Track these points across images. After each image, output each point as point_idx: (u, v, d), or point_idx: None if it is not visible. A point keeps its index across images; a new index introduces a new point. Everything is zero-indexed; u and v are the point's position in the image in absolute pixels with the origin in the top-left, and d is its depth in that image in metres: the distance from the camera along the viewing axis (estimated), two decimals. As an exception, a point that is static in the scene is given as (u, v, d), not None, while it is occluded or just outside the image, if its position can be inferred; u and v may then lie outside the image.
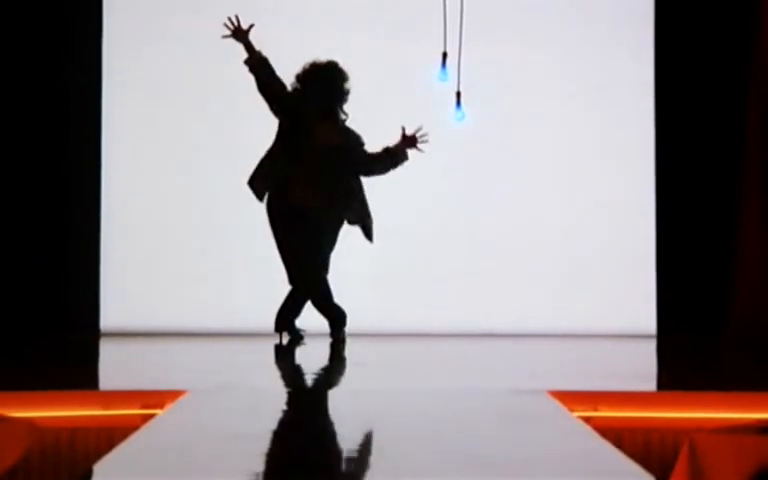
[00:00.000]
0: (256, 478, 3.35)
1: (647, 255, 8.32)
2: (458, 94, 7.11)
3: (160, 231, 8.26)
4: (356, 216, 6.88)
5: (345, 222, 6.89)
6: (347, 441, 4.02)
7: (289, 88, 6.84)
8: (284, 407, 4.80)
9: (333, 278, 6.93)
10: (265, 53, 6.78)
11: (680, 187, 8.31)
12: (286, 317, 6.95)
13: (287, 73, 6.85)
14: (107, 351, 7.62)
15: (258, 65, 6.76)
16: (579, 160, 8.39)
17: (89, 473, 3.43)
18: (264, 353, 6.80)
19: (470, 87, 7.15)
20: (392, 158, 6.88)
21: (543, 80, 8.37)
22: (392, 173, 6.94)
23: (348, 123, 6.93)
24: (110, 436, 4.44)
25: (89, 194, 8.21)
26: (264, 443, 3.87)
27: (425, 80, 7.26)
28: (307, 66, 6.87)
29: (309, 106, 6.83)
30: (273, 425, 4.33)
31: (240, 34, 6.76)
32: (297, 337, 6.95)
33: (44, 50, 8.17)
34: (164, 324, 8.05)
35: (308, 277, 6.87)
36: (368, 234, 6.90)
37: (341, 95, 6.88)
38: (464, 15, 7.02)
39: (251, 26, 6.76)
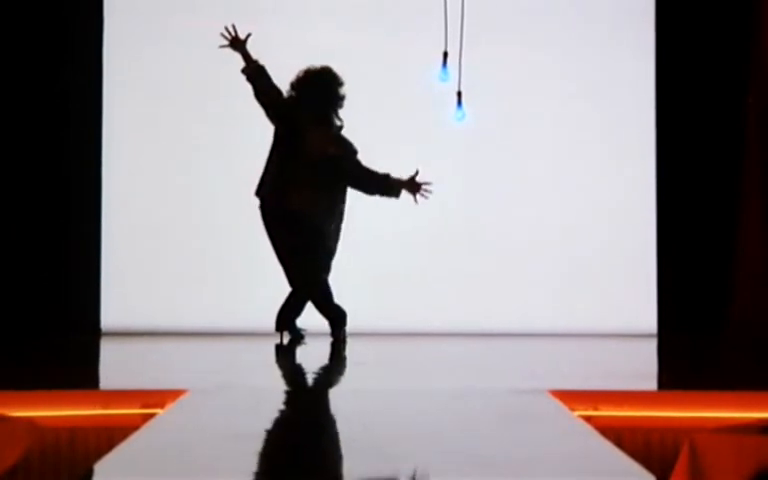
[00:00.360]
0: (256, 478, 3.35)
1: (647, 255, 8.32)
2: (459, 94, 7.12)
3: (160, 231, 8.26)
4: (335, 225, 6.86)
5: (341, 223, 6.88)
6: (347, 441, 4.01)
7: (285, 95, 6.83)
8: (284, 407, 4.79)
9: (333, 278, 6.93)
10: (265, 54, 6.78)
11: (680, 187, 8.31)
12: (287, 317, 6.95)
13: (287, 73, 6.84)
14: (107, 351, 7.61)
15: (255, 74, 6.74)
16: (579, 160, 8.39)
17: (89, 473, 3.44)
18: (264, 353, 6.80)
19: (471, 87, 7.15)
20: (386, 186, 6.82)
21: (543, 80, 8.37)
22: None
23: (348, 123, 6.90)
24: (110, 436, 4.43)
25: (89, 194, 8.21)
26: (264, 443, 3.87)
27: (425, 80, 7.26)
28: (301, 73, 6.85)
29: (303, 112, 6.80)
30: (273, 425, 4.33)
31: (237, 43, 6.74)
32: (297, 337, 6.95)
33: (44, 50, 8.17)
34: (164, 324, 8.05)
35: (308, 277, 6.87)
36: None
37: (336, 100, 6.85)
38: (465, 15, 7.03)
39: (248, 36, 6.73)
